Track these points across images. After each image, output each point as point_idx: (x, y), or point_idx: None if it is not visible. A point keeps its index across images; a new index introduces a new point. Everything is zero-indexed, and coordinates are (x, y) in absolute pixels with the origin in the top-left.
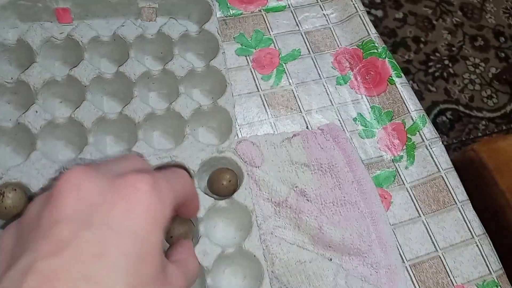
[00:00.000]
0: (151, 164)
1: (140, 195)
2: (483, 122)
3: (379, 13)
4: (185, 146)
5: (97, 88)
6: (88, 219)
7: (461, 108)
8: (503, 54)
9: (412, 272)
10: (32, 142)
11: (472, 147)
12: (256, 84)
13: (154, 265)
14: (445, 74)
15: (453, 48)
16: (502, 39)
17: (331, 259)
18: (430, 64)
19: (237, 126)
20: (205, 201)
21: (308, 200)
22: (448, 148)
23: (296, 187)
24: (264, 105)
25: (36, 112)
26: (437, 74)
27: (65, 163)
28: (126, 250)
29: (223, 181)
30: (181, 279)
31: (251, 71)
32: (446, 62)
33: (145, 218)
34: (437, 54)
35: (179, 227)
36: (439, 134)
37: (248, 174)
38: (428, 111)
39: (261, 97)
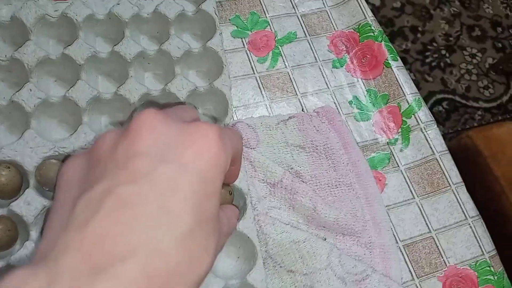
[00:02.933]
0: None
1: (210, 143)
2: (479, 112)
3: (377, 2)
4: None
5: (92, 68)
6: (163, 156)
7: (458, 98)
8: (500, 45)
9: (406, 252)
10: (26, 121)
11: (467, 133)
12: (251, 67)
13: (215, 205)
14: (442, 64)
15: (450, 38)
16: (499, 29)
17: (325, 239)
18: (427, 54)
19: (232, 108)
20: None
21: (303, 181)
22: (444, 137)
23: (291, 168)
24: (259, 88)
25: (30, 90)
26: (434, 64)
27: (59, 142)
28: (196, 189)
29: None
30: (227, 225)
31: (246, 54)
32: (443, 52)
33: (212, 164)
34: (434, 44)
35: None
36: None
37: (243, 156)
38: (424, 100)
39: (256, 80)
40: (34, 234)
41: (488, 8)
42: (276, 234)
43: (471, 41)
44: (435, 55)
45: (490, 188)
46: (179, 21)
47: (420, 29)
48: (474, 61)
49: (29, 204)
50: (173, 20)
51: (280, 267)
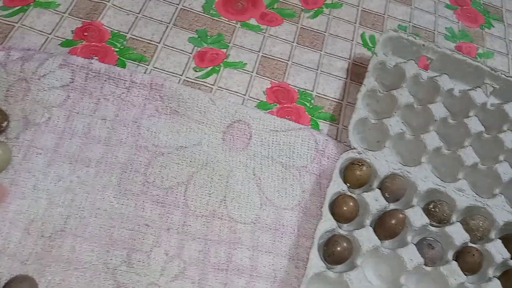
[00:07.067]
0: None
1: None
2: None
3: None
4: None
5: (439, 126)
6: None
7: None
8: None
9: None
10: (382, 140)
11: None
12: None
13: None
14: None
15: None
16: None
17: None
18: None
19: None
20: None
21: None
22: None
23: None
24: None
25: (397, 121)
26: None
27: (405, 167)
28: None
29: None
30: None
31: None
32: None
33: None
34: None
35: None
36: None
37: None
38: None
39: None
40: (367, 221)
41: None
42: None
43: None
44: None
45: None
46: None
47: None
48: None
49: (376, 200)
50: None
51: None
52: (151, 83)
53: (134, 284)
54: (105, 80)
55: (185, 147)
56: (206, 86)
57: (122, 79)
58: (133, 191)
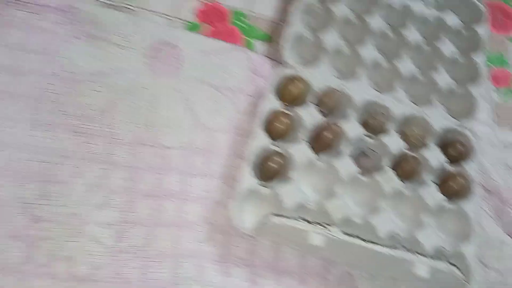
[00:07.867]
0: None
1: None
2: None
3: None
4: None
5: (376, 39)
6: None
7: None
8: None
9: None
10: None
11: None
12: None
13: None
14: None
15: None
16: None
17: None
18: None
19: None
20: None
21: None
22: None
23: None
24: None
25: (333, 36)
26: None
27: (342, 81)
28: None
29: None
30: None
31: None
32: None
33: None
34: None
35: None
36: None
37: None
38: None
39: None
40: (302, 136)
41: None
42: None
43: None
44: None
45: None
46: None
47: None
48: None
49: (311, 115)
50: None
51: None
52: (62, 6)
53: (54, 217)
54: (7, 3)
55: (106, 73)
56: (127, 7)
57: (28, 2)
58: (48, 122)
